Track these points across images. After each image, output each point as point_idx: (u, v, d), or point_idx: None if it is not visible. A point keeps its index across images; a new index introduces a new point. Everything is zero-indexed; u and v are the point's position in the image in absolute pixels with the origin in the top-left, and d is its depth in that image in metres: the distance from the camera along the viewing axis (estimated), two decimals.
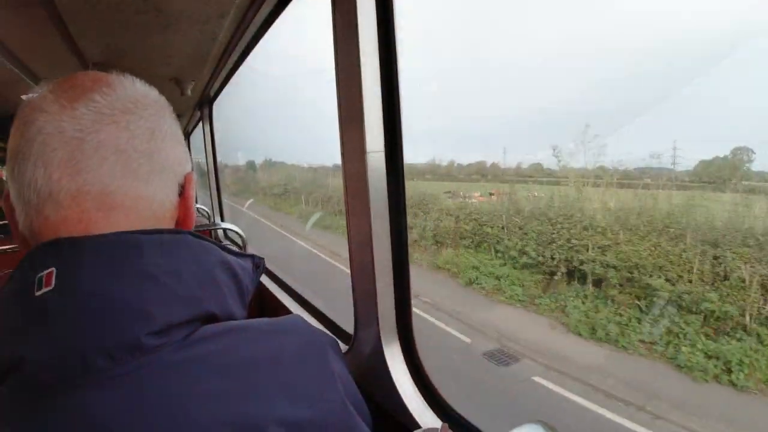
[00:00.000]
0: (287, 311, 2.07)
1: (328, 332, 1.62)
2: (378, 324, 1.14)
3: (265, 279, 2.60)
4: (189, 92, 2.78)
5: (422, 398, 1.15)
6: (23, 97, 0.62)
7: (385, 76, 1.06)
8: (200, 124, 3.84)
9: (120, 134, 0.57)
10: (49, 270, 0.50)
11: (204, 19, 1.74)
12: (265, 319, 0.63)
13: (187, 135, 5.43)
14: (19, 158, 0.54)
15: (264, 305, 2.55)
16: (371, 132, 1.05)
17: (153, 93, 0.66)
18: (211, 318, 0.57)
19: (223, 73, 2.63)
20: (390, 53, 1.07)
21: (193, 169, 0.71)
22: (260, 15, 1.71)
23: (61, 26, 1.79)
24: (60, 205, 0.54)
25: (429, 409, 1.13)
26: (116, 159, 0.56)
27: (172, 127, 0.66)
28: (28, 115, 0.55)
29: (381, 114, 1.07)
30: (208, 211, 4.05)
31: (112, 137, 0.56)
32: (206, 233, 3.53)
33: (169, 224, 0.65)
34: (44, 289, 0.49)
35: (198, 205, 4.13)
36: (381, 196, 1.09)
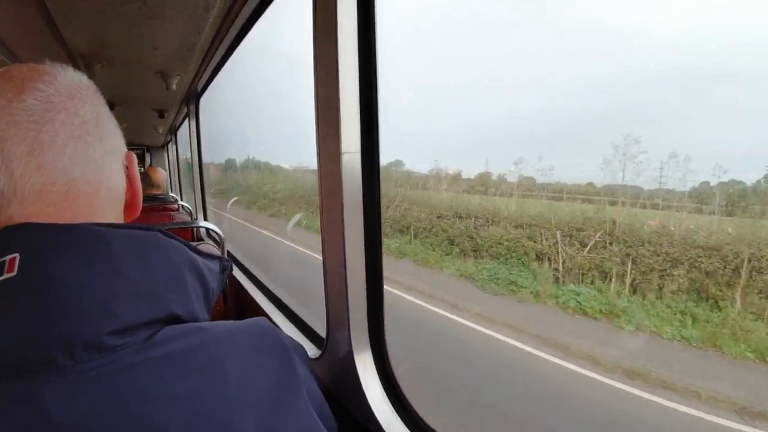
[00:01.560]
0: (263, 312, 2.04)
1: (294, 336, 1.60)
2: (349, 329, 1.12)
3: (243, 279, 2.57)
4: (174, 86, 2.75)
5: (392, 407, 1.12)
6: None
7: (363, 77, 1.05)
8: (186, 120, 3.80)
9: (72, 120, 0.57)
10: (12, 255, 0.48)
11: (189, 12, 1.71)
12: (230, 322, 0.62)
13: (174, 131, 5.39)
14: None
15: (242, 305, 2.52)
16: (347, 132, 1.02)
17: (84, 78, 0.65)
18: (175, 319, 0.56)
19: (210, 68, 2.60)
20: (370, 55, 1.05)
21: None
22: (246, 8, 1.69)
23: (45, 13, 1.76)
24: (25, 202, 0.53)
25: (398, 418, 1.11)
26: (75, 146, 0.56)
27: (107, 109, 0.67)
28: None
29: (358, 115, 1.05)
30: (191, 209, 4.00)
31: (66, 125, 0.56)
32: (188, 231, 3.49)
33: (122, 207, 0.66)
34: (6, 275, 0.47)
35: (182, 203, 4.09)
36: (355, 197, 1.07)
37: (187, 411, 0.48)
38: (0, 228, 0.51)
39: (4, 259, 0.48)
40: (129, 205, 0.68)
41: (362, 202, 1.08)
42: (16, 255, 0.48)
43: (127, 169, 0.67)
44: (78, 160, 0.56)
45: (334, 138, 1.02)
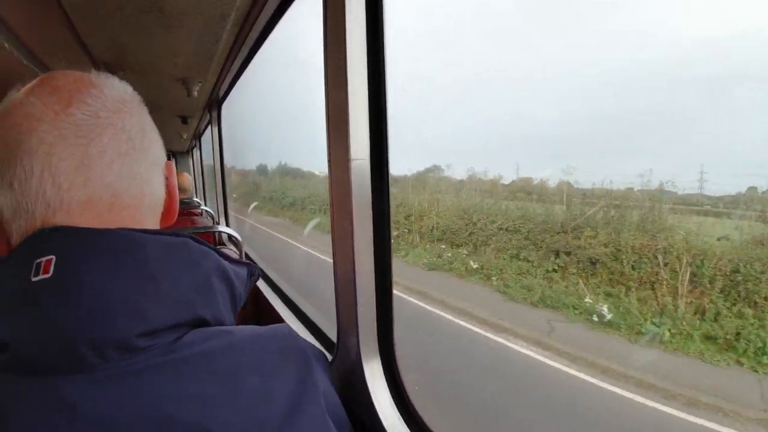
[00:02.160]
0: (280, 319, 2.06)
1: (316, 343, 1.60)
2: (358, 336, 1.11)
3: (262, 285, 2.59)
4: (195, 93, 2.81)
5: (399, 416, 1.11)
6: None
7: (372, 84, 1.05)
8: (209, 126, 3.86)
9: (119, 136, 0.58)
10: (49, 257, 0.49)
11: (205, 20, 1.75)
12: (255, 327, 0.63)
13: (198, 136, 5.49)
14: (18, 169, 0.52)
15: (260, 311, 2.54)
16: (356, 139, 1.02)
17: (129, 88, 0.66)
18: (202, 323, 0.57)
19: (231, 75, 2.65)
20: (378, 62, 1.05)
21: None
22: (263, 17, 1.71)
23: (68, 22, 1.81)
24: (71, 212, 0.54)
25: (406, 427, 1.10)
26: (121, 162, 0.57)
27: (149, 119, 0.67)
28: (22, 124, 0.53)
29: (367, 122, 1.05)
30: (213, 214, 4.06)
31: (114, 141, 0.57)
32: (209, 235, 3.55)
33: (160, 214, 0.67)
34: (41, 276, 0.48)
35: (204, 207, 4.16)
36: (365, 204, 1.06)
37: (201, 410, 0.49)
38: (39, 229, 0.53)
39: (40, 260, 0.49)
40: (166, 212, 0.69)
41: (372, 209, 1.08)
42: (52, 257, 0.49)
43: (167, 179, 0.68)
44: (124, 175, 0.57)
45: (344, 145, 1.02)
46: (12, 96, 0.57)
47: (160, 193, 0.66)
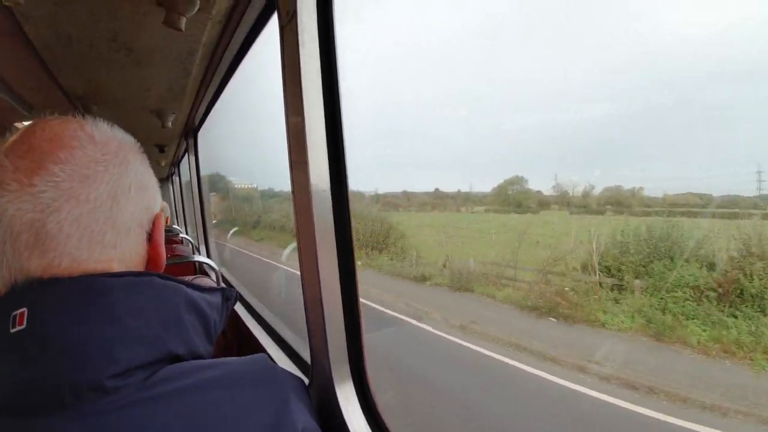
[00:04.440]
0: (259, 345, 2.05)
1: (295, 372, 1.61)
2: (329, 361, 1.13)
3: (242, 312, 2.58)
4: (170, 124, 2.82)
5: None
6: None
7: (329, 117, 1.09)
8: (186, 154, 3.87)
9: (80, 208, 0.56)
10: (21, 310, 0.51)
11: (174, 57, 1.78)
12: (231, 360, 0.64)
13: (176, 163, 5.48)
14: None
15: (240, 338, 2.53)
16: (316, 169, 1.06)
17: (114, 140, 0.64)
18: (176, 358, 0.58)
19: (204, 105, 2.67)
20: (334, 100, 1.10)
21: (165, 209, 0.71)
22: (229, 51, 1.74)
23: (40, 59, 1.83)
24: (31, 278, 0.55)
25: None
26: (80, 235, 0.56)
27: (136, 173, 0.65)
28: None
29: (326, 152, 1.09)
30: (193, 242, 4.04)
31: (74, 213, 0.56)
32: (189, 264, 3.52)
33: (140, 266, 0.66)
34: (17, 328, 0.51)
35: (183, 236, 4.13)
36: (328, 231, 1.09)
37: None
38: (10, 285, 0.54)
39: (15, 313, 0.51)
40: (151, 262, 0.68)
41: (335, 236, 1.11)
42: (24, 309, 0.51)
43: (151, 235, 0.67)
44: (83, 246, 0.57)
45: (304, 175, 1.06)
46: None
47: (135, 254, 0.64)
